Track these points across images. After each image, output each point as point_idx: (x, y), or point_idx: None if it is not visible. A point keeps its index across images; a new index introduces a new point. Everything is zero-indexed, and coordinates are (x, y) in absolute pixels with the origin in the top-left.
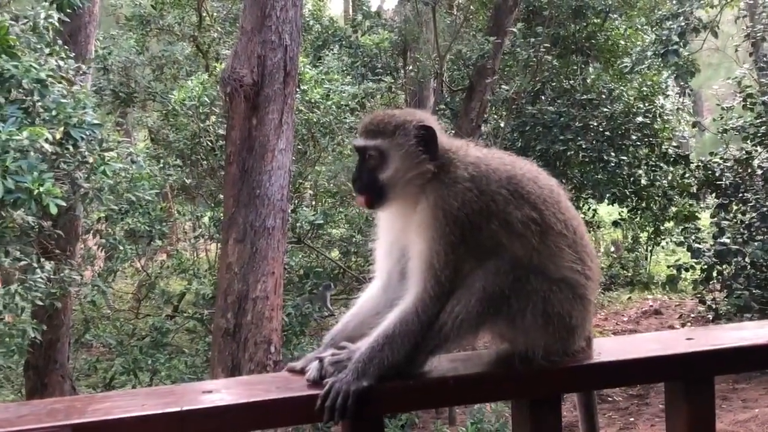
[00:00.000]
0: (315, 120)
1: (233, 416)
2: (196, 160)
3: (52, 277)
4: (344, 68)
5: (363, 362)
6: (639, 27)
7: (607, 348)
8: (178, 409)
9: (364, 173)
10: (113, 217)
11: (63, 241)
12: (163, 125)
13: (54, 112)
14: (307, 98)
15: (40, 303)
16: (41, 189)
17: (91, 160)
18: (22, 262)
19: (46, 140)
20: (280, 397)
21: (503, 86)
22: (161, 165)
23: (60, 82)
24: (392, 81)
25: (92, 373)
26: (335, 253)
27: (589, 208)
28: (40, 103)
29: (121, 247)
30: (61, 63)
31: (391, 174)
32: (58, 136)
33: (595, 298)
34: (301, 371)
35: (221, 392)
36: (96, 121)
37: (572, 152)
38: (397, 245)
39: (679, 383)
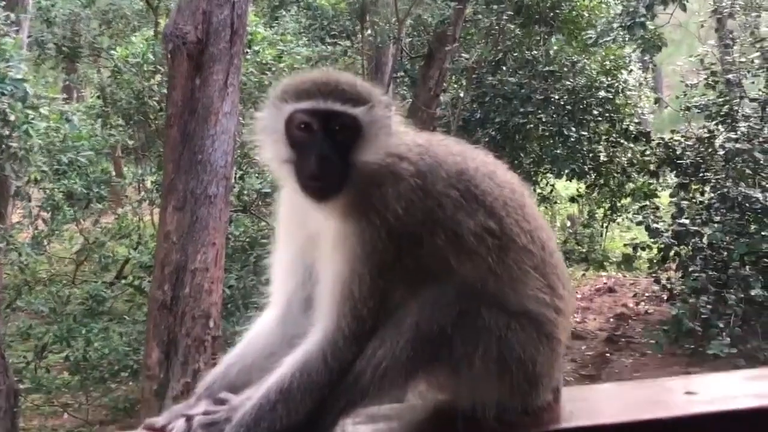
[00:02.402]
0: (267, 83)
1: None
2: (140, 121)
3: None
4: (301, 30)
5: (246, 426)
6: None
7: (582, 404)
8: None
9: (332, 151)
10: (48, 178)
11: None
12: (110, 83)
13: None
14: (258, 60)
15: None
16: None
17: (12, 117)
18: None
19: None
20: None
21: (463, 54)
22: (103, 125)
23: None
24: (349, 45)
25: (26, 339)
26: None
27: (547, 183)
28: None
29: (59, 209)
30: None
31: (366, 155)
32: None
33: (567, 337)
34: (163, 431)
35: None
36: (19, 76)
37: (532, 125)
38: (303, 260)
39: None
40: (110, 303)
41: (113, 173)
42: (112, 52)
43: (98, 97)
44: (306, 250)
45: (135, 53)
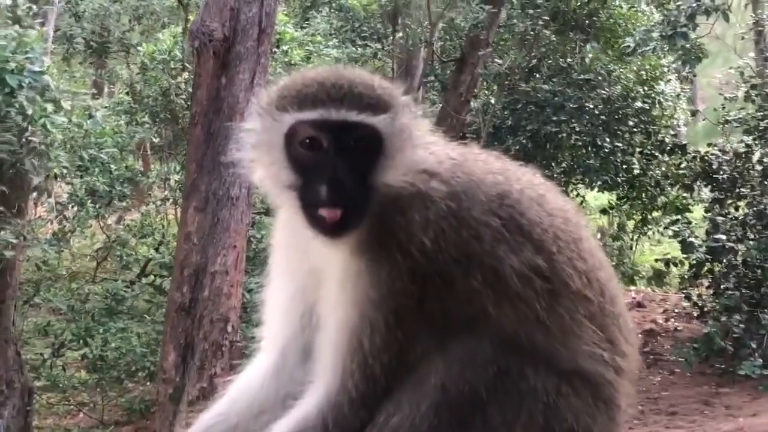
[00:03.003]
0: None
1: None
2: (167, 118)
3: None
4: (332, 32)
5: None
6: (637, 8)
7: None
8: None
9: (347, 173)
10: (70, 174)
11: (13, 197)
12: (138, 80)
13: None
14: (286, 60)
15: None
16: None
17: (29, 111)
18: None
19: None
20: None
21: (497, 60)
22: (128, 121)
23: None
24: (380, 48)
25: (43, 336)
26: None
27: (578, 194)
28: None
29: (83, 206)
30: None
31: (389, 175)
32: None
33: (628, 403)
34: None
35: None
36: (38, 69)
37: (564, 135)
38: (304, 300)
39: None
40: (130, 302)
41: (141, 170)
42: (139, 48)
43: (127, 93)
44: (307, 288)
45: (162, 50)
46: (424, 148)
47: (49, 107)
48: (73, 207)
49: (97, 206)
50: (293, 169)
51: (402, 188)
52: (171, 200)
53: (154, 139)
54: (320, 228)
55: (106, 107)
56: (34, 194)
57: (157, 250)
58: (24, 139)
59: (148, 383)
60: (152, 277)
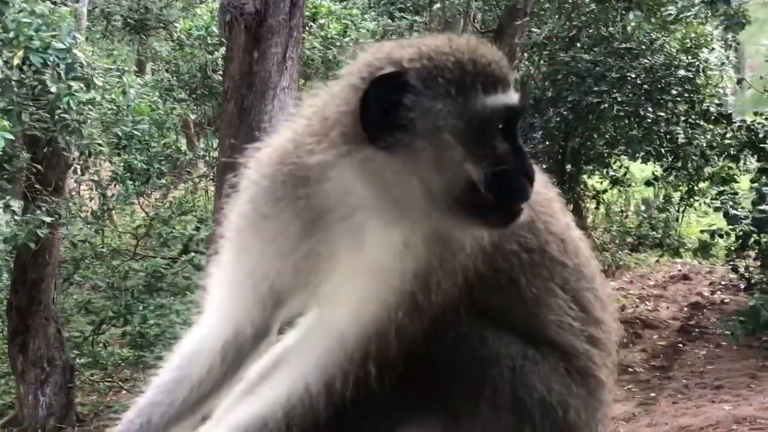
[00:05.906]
0: (331, 58)
1: None
2: (204, 95)
3: (17, 218)
4: (371, 5)
5: None
6: None
7: None
8: None
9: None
10: (109, 152)
11: (50, 175)
12: (176, 57)
13: (12, 34)
14: (323, 34)
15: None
16: None
17: (54, 89)
18: None
19: None
20: None
21: (535, 30)
22: (165, 98)
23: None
24: (417, 20)
25: (84, 314)
26: None
27: (621, 165)
28: None
29: (123, 183)
30: None
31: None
32: (16, 62)
33: (610, 376)
34: None
35: None
36: (62, 46)
37: (607, 105)
38: (277, 281)
39: None
40: (170, 279)
41: (179, 148)
42: (176, 24)
43: (167, 70)
44: (288, 271)
45: (198, 26)
46: None
47: (75, 85)
48: (114, 185)
49: (136, 184)
50: (481, 160)
51: None
52: (209, 177)
53: (191, 116)
54: (503, 221)
55: (142, 84)
56: (71, 172)
57: (197, 228)
58: (57, 117)
59: None
60: (192, 254)
